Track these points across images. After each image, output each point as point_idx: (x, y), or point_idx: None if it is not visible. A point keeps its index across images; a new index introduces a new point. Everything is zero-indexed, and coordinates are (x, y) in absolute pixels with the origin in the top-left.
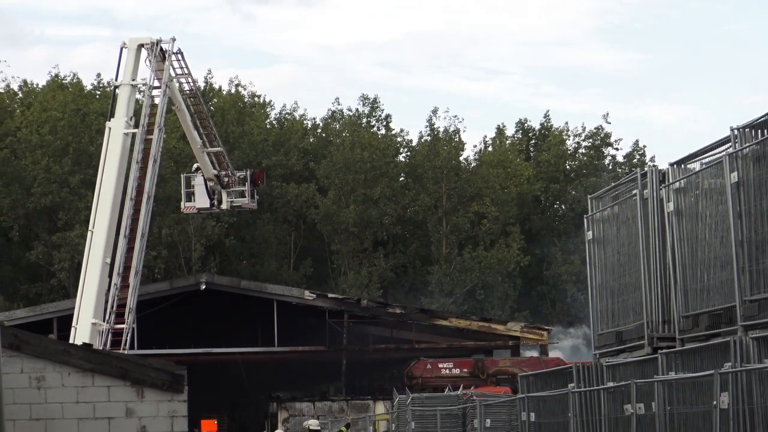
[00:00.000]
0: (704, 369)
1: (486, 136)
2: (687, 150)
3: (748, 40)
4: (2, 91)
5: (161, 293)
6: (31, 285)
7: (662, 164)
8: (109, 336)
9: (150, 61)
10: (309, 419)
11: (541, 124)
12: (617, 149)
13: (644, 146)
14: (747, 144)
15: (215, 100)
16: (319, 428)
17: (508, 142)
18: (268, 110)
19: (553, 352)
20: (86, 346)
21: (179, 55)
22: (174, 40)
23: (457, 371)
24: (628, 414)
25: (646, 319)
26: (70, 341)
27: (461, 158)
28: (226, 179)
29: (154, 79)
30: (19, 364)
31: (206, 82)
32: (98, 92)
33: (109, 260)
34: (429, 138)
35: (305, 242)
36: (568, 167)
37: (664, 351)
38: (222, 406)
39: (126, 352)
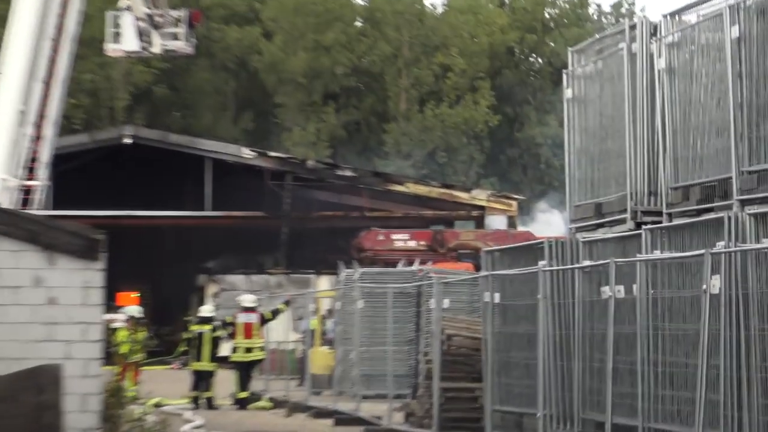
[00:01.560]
0: (694, 248)
1: None
2: (682, 0)
3: None
4: None
5: (81, 147)
6: None
7: (654, 16)
8: (19, 194)
9: None
10: (242, 294)
11: None
12: None
13: None
14: None
15: None
16: (254, 305)
17: None
18: None
19: (521, 226)
20: None
21: None
22: None
23: (413, 244)
24: (606, 297)
25: (629, 190)
26: None
27: (426, 2)
28: (159, 19)
29: None
30: None
31: None
32: None
33: (23, 108)
34: None
35: (246, 93)
36: (547, 15)
37: (648, 227)
38: (144, 278)
39: (38, 212)
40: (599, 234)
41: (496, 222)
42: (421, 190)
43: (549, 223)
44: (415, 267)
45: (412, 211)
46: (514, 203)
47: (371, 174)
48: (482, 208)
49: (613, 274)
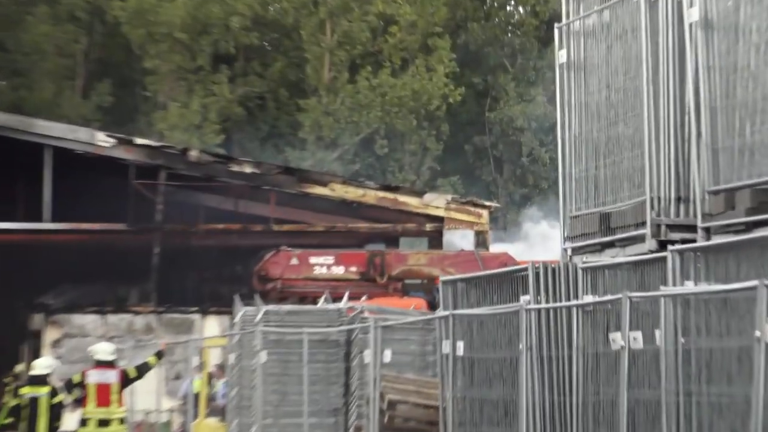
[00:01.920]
0: (742, 278)
1: None
2: None
3: None
4: None
5: None
6: None
7: None
8: None
9: None
10: (96, 343)
11: None
12: None
13: None
14: None
15: None
16: (111, 358)
17: None
18: None
19: (496, 244)
20: None
21: None
22: None
23: (340, 271)
24: (616, 348)
25: (649, 195)
26: None
27: None
28: None
29: None
30: None
31: None
32: None
33: None
34: None
35: (102, 55)
36: None
37: (677, 247)
38: None
39: None
40: (606, 257)
41: (460, 240)
42: (351, 193)
43: (535, 241)
44: (344, 304)
45: (339, 223)
46: (485, 213)
47: (280, 170)
48: (439, 219)
49: (626, 316)
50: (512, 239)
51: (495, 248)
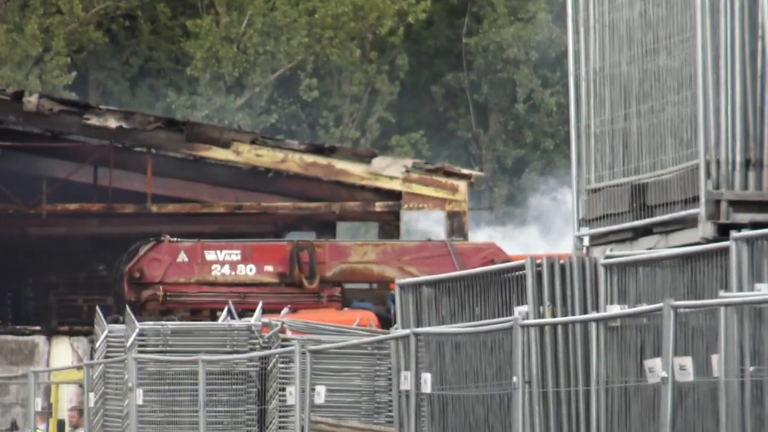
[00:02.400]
0: None
1: None
2: None
3: None
4: None
5: None
6: None
7: None
8: None
9: None
10: None
11: None
12: None
13: None
14: None
15: None
16: None
17: None
18: None
19: (478, 231)
20: None
21: None
22: None
23: (250, 271)
24: (655, 380)
25: (704, 158)
26: None
27: None
28: None
29: None
30: None
31: None
32: None
33: None
34: None
35: None
36: None
37: (743, 234)
38: None
39: None
40: (641, 249)
41: (425, 225)
42: (266, 158)
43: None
44: (256, 319)
45: (247, 201)
46: (462, 186)
47: (161, 124)
48: (395, 195)
49: (670, 334)
50: (503, 224)
51: (477, 237)
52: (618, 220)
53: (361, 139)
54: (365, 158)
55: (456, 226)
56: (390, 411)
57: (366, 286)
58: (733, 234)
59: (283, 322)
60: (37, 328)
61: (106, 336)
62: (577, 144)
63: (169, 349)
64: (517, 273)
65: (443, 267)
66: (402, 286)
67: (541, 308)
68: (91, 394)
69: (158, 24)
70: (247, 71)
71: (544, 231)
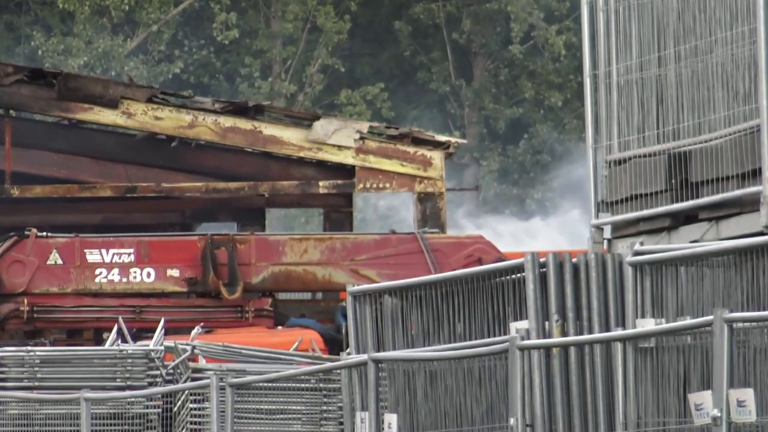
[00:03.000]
0: None
1: None
2: None
3: None
4: None
5: None
6: None
7: None
8: None
9: None
10: None
11: None
12: None
13: None
14: None
15: None
16: None
17: None
18: None
19: (460, 219)
20: None
21: None
22: None
23: (147, 276)
24: (704, 422)
25: (767, 117)
26: None
27: None
28: None
29: None
30: None
31: None
32: None
33: None
34: None
35: None
36: None
37: None
38: None
39: None
40: (682, 242)
41: (386, 210)
42: (169, 121)
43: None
44: (157, 343)
45: (143, 181)
46: (437, 157)
47: (20, 75)
48: (347, 171)
49: (724, 357)
50: (494, 210)
51: (459, 228)
52: (651, 202)
53: (299, 96)
54: (304, 121)
55: (430, 212)
56: None
57: (307, 295)
58: None
59: (193, 347)
60: None
61: None
62: (594, 99)
63: (38, 384)
64: (513, 276)
65: (413, 269)
66: (356, 296)
67: (546, 324)
68: None
69: None
70: (140, 3)
71: (551, 219)
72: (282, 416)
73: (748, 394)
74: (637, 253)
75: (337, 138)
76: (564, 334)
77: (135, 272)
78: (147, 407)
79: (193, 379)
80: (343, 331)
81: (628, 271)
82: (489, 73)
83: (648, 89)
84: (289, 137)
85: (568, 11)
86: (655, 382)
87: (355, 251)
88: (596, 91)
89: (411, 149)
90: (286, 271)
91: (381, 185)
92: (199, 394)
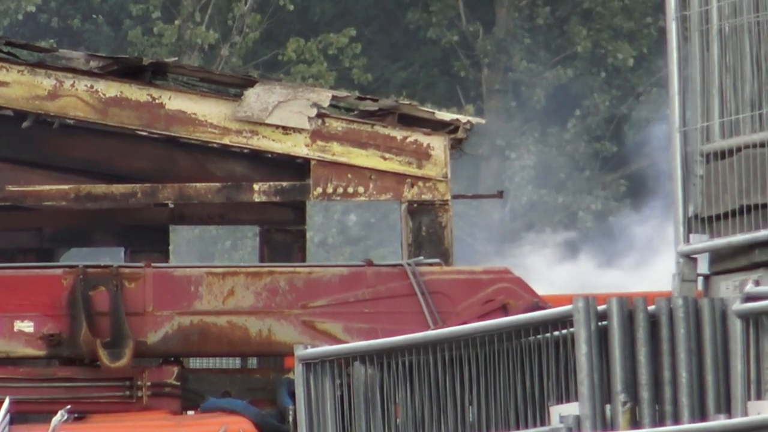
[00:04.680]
0: None
1: None
2: None
3: None
4: None
5: None
6: None
7: None
8: None
9: None
10: None
11: None
12: None
13: None
14: None
15: None
16: None
17: None
18: None
19: (474, 243)
20: None
21: None
22: None
23: None
24: None
25: None
26: None
27: None
28: None
29: None
30: None
31: None
32: None
33: None
34: None
35: None
36: None
37: None
38: None
39: None
40: None
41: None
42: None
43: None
44: None
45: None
46: (439, 145)
47: None
48: (298, 168)
49: None
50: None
51: (472, 257)
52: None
53: (222, 48)
54: (230, 89)
55: (427, 232)
56: None
57: (235, 362)
58: None
59: None
60: None
61: None
62: (683, 55)
63: None
64: (556, 333)
65: (399, 320)
66: (310, 363)
67: (608, 408)
68: None
69: None
70: None
71: (616, 243)
72: None
73: None
74: (749, 298)
75: (282, 115)
76: (635, 423)
77: None
78: None
79: None
80: (290, 418)
81: (736, 325)
82: (520, 13)
83: None
84: (207, 114)
85: None
86: None
87: (310, 293)
88: (686, 43)
89: (398, 133)
90: (200, 324)
91: (350, 189)
92: None
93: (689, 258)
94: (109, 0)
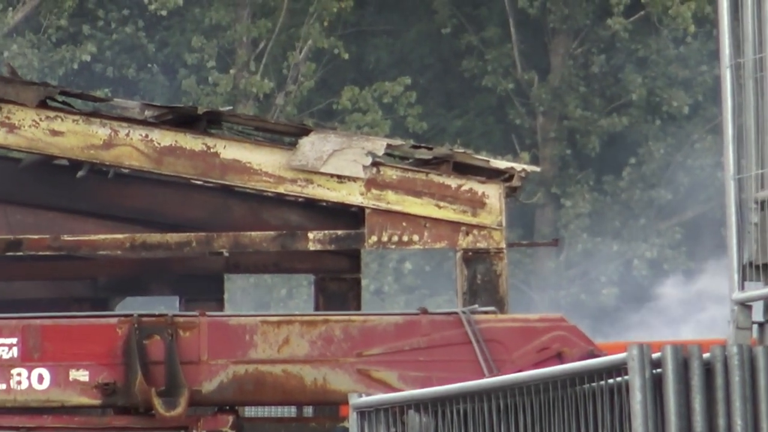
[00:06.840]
0: None
1: None
2: None
3: None
4: None
5: None
6: None
7: None
8: None
9: None
10: None
11: None
12: None
13: None
14: None
15: None
16: None
17: None
18: None
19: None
20: None
21: None
22: None
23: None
24: None
25: None
26: None
27: None
28: None
29: None
30: None
31: None
32: None
33: None
34: None
35: None
36: None
37: None
38: None
39: None
40: None
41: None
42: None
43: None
44: None
45: (32, 233)
46: (494, 194)
47: None
48: (352, 217)
49: None
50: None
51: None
52: None
53: (277, 97)
54: (285, 138)
55: (482, 281)
56: None
57: (290, 411)
58: None
59: None
60: None
61: None
62: (738, 102)
63: None
64: (611, 381)
65: (454, 368)
66: (365, 411)
67: None
68: None
69: None
70: None
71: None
72: None
73: None
74: None
75: (337, 164)
76: None
77: (19, 375)
78: None
79: None
80: None
81: None
82: (575, 61)
83: None
84: (262, 163)
85: None
86: None
87: (365, 342)
88: (741, 90)
89: (453, 182)
90: (256, 372)
91: (405, 238)
92: None
93: (744, 305)
94: (165, 49)
